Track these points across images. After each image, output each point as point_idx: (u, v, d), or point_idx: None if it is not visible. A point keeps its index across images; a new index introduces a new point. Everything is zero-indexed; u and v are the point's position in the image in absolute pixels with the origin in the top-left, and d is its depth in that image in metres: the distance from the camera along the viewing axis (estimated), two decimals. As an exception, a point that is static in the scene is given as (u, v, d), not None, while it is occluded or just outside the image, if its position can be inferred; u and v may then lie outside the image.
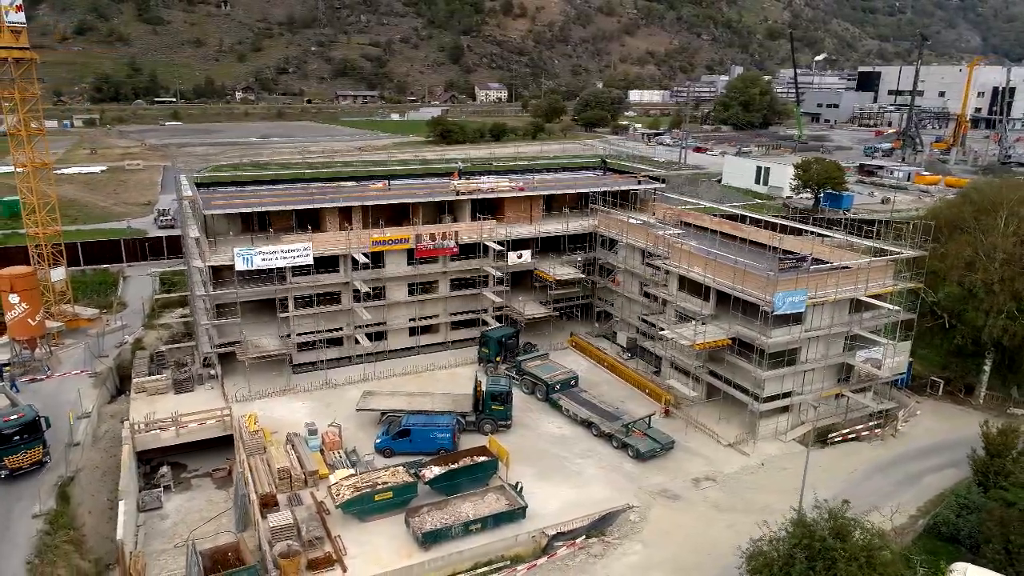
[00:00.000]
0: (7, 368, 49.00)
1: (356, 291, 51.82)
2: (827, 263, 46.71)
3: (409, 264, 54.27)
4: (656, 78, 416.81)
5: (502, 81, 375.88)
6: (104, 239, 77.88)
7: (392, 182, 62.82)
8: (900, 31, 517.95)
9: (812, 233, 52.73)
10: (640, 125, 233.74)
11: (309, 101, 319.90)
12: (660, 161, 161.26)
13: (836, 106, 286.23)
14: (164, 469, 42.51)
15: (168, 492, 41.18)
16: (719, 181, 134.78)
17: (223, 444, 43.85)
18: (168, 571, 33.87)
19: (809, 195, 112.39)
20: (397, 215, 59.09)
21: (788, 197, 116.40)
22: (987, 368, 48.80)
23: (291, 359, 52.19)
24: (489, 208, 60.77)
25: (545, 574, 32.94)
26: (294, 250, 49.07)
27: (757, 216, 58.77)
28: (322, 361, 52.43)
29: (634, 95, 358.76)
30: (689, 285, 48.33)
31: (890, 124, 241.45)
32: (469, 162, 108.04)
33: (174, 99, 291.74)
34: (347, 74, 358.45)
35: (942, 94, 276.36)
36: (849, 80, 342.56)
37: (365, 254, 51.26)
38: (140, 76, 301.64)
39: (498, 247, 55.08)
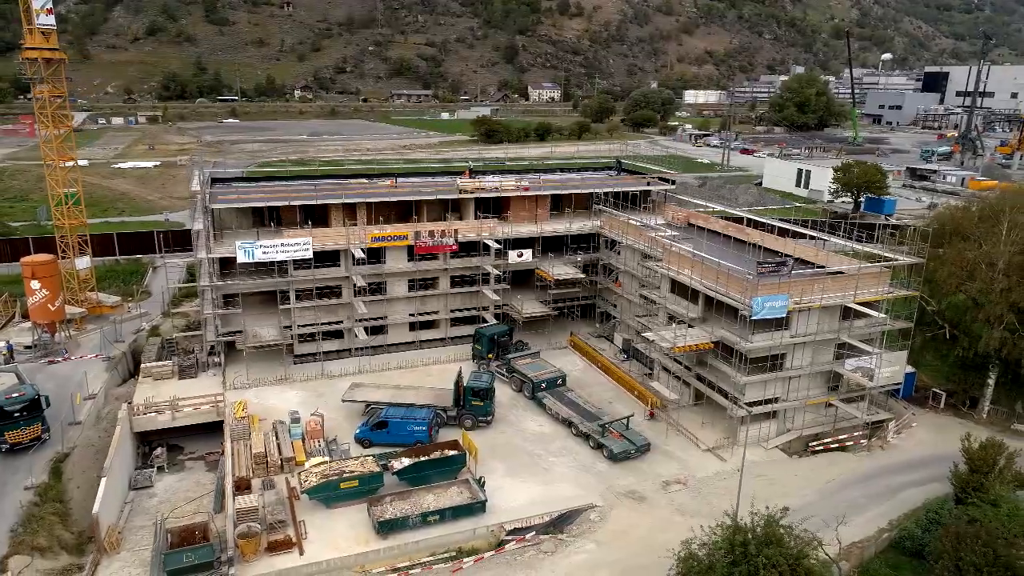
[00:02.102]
0: (3, 351, 51.78)
1: (356, 285, 53.23)
2: (821, 268, 45.76)
3: (410, 260, 55.33)
4: (714, 78, 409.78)
5: (556, 81, 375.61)
6: (139, 231, 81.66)
7: (400, 179, 64.09)
8: (976, 30, 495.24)
9: (812, 237, 51.62)
10: (690, 126, 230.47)
11: (365, 100, 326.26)
12: (704, 162, 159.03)
13: (899, 108, 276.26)
14: (159, 450, 44.55)
15: (161, 472, 43.19)
16: (759, 184, 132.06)
17: (222, 429, 45.73)
18: (142, 546, 35.63)
19: (849, 199, 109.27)
20: (404, 212, 60.35)
21: (828, 201, 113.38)
22: (991, 381, 46.87)
23: (293, 349, 53.99)
24: (496, 207, 61.49)
25: (493, 568, 33.40)
26: (294, 244, 50.72)
27: (760, 219, 57.72)
28: (322, 352, 54.08)
29: (689, 95, 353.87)
30: (680, 288, 47.97)
31: (956, 127, 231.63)
32: (482, 162, 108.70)
33: (236, 97, 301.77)
34: (403, 73, 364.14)
35: (1015, 95, 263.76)
36: (917, 81, 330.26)
37: (364, 249, 52.59)
38: (205, 75, 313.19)
39: (497, 245, 55.70)
